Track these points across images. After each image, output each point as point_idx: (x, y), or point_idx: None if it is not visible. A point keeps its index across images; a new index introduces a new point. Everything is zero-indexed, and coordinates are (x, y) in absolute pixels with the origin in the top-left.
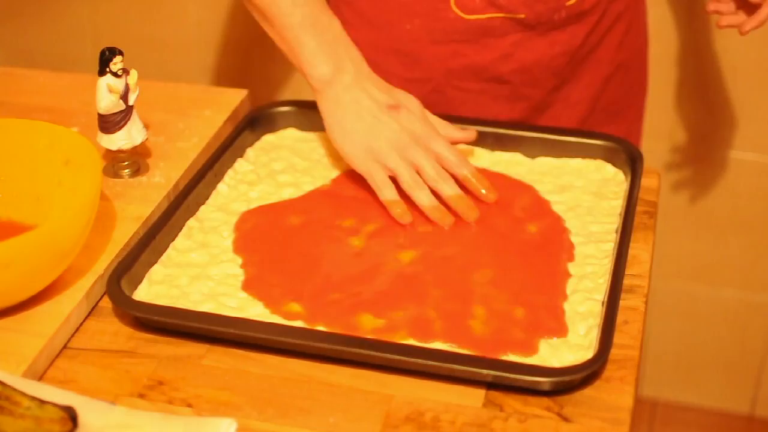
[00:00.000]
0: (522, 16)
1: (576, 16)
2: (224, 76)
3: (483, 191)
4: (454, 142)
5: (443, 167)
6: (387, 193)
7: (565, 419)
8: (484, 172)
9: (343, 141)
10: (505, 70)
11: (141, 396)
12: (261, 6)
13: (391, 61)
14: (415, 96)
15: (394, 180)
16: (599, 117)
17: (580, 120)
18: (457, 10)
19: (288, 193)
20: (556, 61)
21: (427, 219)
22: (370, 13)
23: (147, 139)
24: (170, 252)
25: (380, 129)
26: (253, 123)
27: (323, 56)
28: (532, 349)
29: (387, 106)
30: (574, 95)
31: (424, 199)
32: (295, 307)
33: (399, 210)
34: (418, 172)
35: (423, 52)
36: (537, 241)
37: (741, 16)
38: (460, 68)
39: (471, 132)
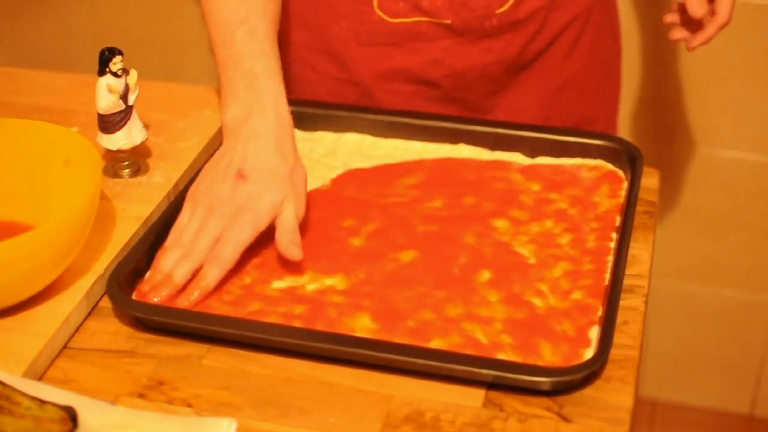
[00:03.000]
0: (448, 21)
1: (510, 25)
2: None
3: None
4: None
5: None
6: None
7: (565, 419)
8: (483, 171)
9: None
10: (436, 75)
11: (141, 396)
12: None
13: (324, 62)
14: (348, 97)
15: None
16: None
17: None
18: (380, 13)
19: None
20: (491, 69)
21: (427, 219)
22: (303, 14)
23: (147, 139)
24: None
25: (216, 186)
26: None
27: (237, 103)
28: (532, 350)
29: (238, 172)
30: (519, 103)
31: (170, 260)
32: (295, 307)
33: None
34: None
35: (351, 54)
36: (537, 241)
37: (686, 32)
38: (388, 71)
39: (296, 254)
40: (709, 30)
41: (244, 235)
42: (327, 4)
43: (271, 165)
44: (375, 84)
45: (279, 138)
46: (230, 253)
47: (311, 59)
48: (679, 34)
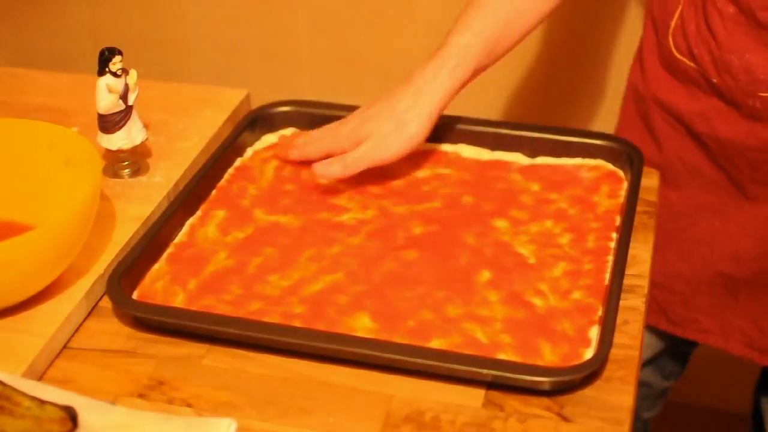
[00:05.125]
0: (715, 80)
1: None
2: (224, 76)
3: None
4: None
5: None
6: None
7: (565, 419)
8: (483, 171)
9: None
10: (701, 129)
11: (141, 396)
12: None
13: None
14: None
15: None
16: None
17: None
18: (671, 43)
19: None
20: (753, 153)
21: (428, 219)
22: None
23: (147, 139)
24: (170, 251)
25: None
26: (253, 123)
27: None
28: (532, 350)
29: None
30: None
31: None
32: (295, 307)
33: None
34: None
35: (651, 67)
36: (537, 241)
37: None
38: (670, 105)
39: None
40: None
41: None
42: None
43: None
44: (656, 106)
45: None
46: (361, 163)
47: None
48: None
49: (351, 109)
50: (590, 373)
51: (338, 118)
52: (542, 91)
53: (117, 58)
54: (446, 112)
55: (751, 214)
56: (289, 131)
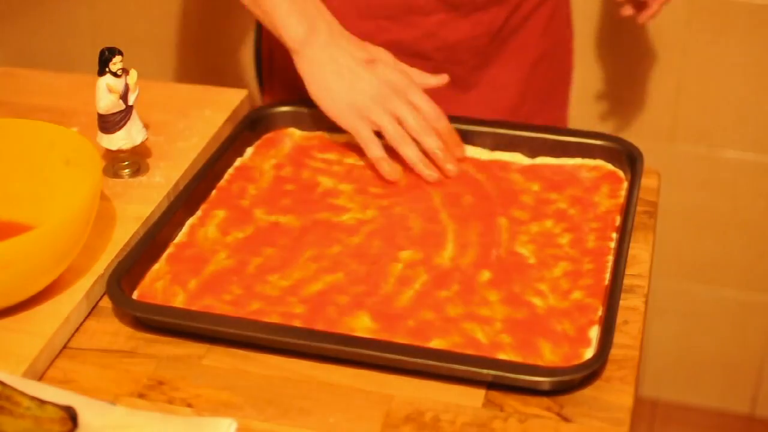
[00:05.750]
0: None
1: None
2: (224, 76)
3: (458, 148)
4: (429, 88)
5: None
6: (375, 150)
7: (565, 419)
8: (483, 171)
9: (327, 100)
10: (429, 47)
11: (141, 396)
12: None
13: None
14: None
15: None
16: (531, 105)
17: (512, 105)
18: None
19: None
20: (478, 41)
21: (428, 219)
22: None
23: (147, 139)
24: (170, 251)
25: (361, 84)
26: (253, 123)
27: (297, 16)
28: (532, 350)
29: (364, 61)
30: (501, 78)
31: (410, 153)
32: (295, 307)
33: (388, 167)
34: (400, 124)
35: (350, 26)
36: (537, 241)
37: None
38: (384, 43)
39: (443, 77)
40: (654, 6)
41: (419, 90)
42: None
43: (361, 41)
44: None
45: (342, 29)
46: (433, 105)
47: None
48: (628, 11)
49: None
50: (590, 373)
51: None
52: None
53: (117, 58)
54: (447, 113)
55: (469, 102)
56: (289, 131)
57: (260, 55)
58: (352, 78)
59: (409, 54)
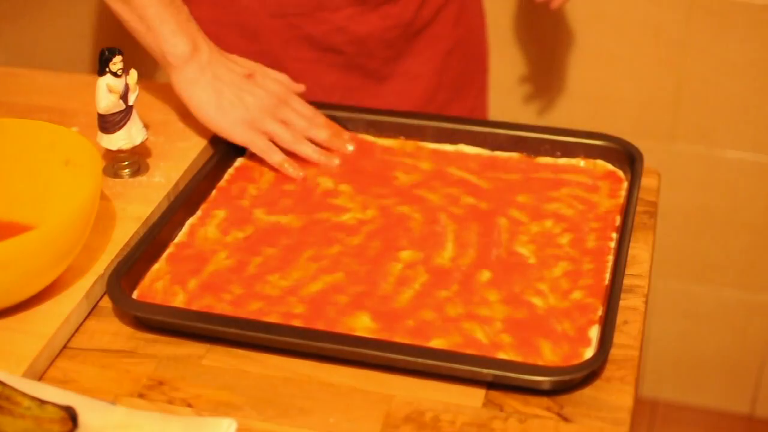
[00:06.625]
0: None
1: None
2: None
3: (344, 134)
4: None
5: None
6: (275, 157)
7: (565, 419)
8: (483, 171)
9: (215, 118)
10: (339, 41)
11: (141, 396)
12: None
13: (233, 35)
14: None
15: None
16: (446, 93)
17: (426, 95)
18: None
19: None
20: (389, 34)
21: (427, 219)
22: None
23: (147, 139)
24: (170, 251)
25: (249, 99)
26: None
27: (183, 35)
28: (532, 350)
29: (244, 76)
30: (415, 69)
31: (308, 150)
32: (295, 307)
33: (291, 168)
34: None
35: (261, 25)
36: (537, 241)
37: None
38: (296, 39)
39: (302, 85)
40: None
41: (294, 94)
42: None
43: (232, 56)
44: (283, 52)
45: (219, 48)
46: (306, 105)
47: (221, 34)
48: None
49: (349, 108)
50: (590, 373)
51: (337, 117)
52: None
53: (117, 58)
54: (362, 104)
55: (384, 93)
56: None
57: None
58: (238, 93)
59: (321, 48)
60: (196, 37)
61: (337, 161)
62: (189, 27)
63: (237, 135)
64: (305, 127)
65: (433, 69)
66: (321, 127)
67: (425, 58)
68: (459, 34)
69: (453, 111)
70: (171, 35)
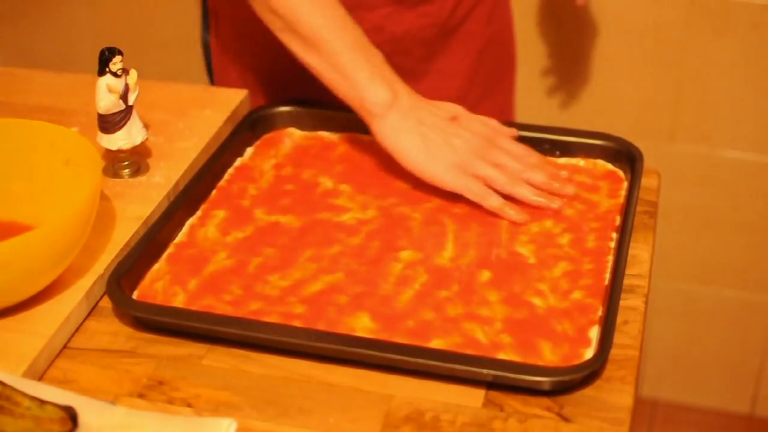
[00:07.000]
0: None
1: None
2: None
3: (563, 173)
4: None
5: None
6: (493, 201)
7: (565, 419)
8: None
9: (426, 163)
10: (376, 40)
11: (141, 396)
12: (306, 33)
13: (271, 33)
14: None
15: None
16: (478, 91)
17: (460, 93)
18: None
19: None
20: (425, 32)
21: (427, 219)
22: None
23: (147, 139)
24: (170, 251)
25: (458, 142)
26: (253, 123)
27: (380, 81)
28: (532, 350)
29: (448, 120)
30: (450, 67)
31: (525, 192)
32: (295, 307)
33: (512, 211)
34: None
35: None
36: (537, 241)
37: None
38: None
39: (512, 129)
40: None
41: (502, 133)
42: None
43: (430, 100)
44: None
45: (413, 90)
46: (518, 144)
47: (257, 35)
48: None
49: (350, 109)
50: (590, 373)
51: (337, 117)
52: (542, 91)
53: (117, 58)
54: None
55: (419, 92)
56: (289, 131)
57: (209, 51)
58: (446, 138)
59: None
60: (393, 82)
61: (559, 204)
62: (384, 72)
63: (449, 181)
64: (520, 169)
65: (467, 67)
66: (536, 169)
67: (459, 56)
68: (491, 32)
69: (484, 109)
70: (369, 82)
